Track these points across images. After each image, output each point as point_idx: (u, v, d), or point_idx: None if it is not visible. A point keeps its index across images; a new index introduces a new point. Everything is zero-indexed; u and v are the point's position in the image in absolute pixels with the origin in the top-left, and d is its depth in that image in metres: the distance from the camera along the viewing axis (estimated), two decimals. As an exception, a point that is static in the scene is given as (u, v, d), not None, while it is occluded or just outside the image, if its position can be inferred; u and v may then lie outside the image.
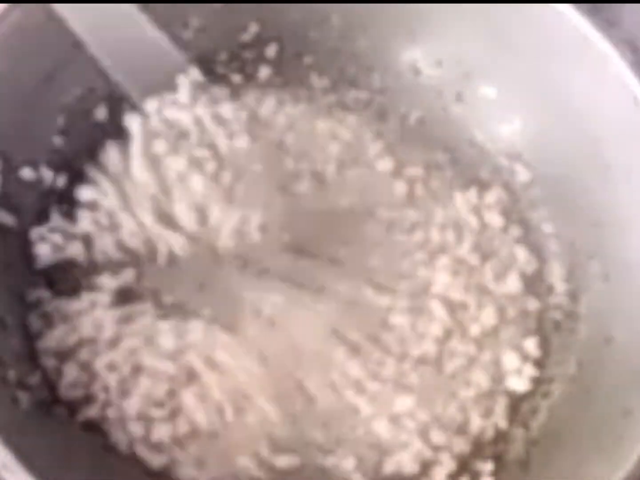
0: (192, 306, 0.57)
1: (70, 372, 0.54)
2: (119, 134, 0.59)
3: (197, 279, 0.58)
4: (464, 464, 0.57)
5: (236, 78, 0.63)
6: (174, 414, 0.54)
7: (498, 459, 0.57)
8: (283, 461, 0.55)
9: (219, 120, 0.58)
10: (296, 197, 0.60)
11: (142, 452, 0.54)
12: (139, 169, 0.57)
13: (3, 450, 0.48)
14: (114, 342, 0.55)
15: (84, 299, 0.56)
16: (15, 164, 0.56)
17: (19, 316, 0.55)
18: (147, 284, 0.57)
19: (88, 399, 0.54)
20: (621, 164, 0.58)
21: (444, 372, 0.58)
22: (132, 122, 0.58)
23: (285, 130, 0.61)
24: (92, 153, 0.59)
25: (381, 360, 0.57)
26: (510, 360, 0.59)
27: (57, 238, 0.57)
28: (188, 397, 0.54)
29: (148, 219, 0.57)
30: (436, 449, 0.56)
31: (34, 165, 0.57)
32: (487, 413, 0.58)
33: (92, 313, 0.55)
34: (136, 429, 0.54)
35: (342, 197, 0.61)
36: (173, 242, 0.57)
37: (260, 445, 0.55)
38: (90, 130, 0.59)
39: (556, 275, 0.61)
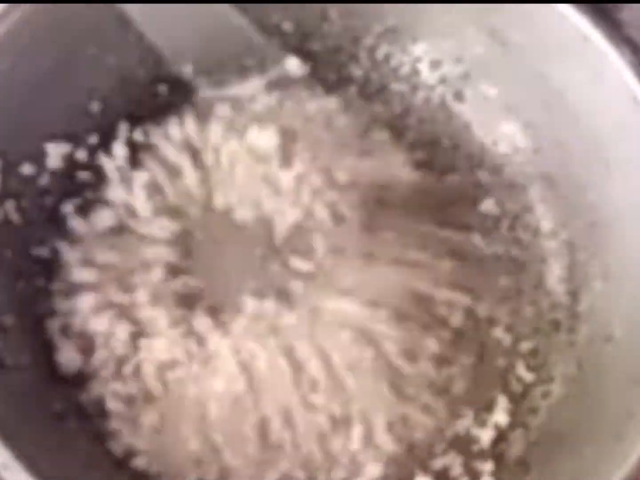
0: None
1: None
2: (118, 134, 0.60)
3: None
4: (463, 464, 0.57)
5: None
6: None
7: (498, 459, 0.57)
8: None
9: None
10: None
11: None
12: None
13: (3, 450, 0.48)
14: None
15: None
16: (14, 164, 0.56)
17: (21, 314, 0.55)
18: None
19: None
20: (621, 163, 0.58)
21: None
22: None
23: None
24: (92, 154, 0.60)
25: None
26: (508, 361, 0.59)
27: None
28: None
29: None
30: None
31: (34, 164, 0.57)
32: (487, 413, 0.58)
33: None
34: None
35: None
36: None
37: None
38: (89, 130, 0.59)
39: (556, 275, 0.61)
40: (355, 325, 0.57)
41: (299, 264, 0.57)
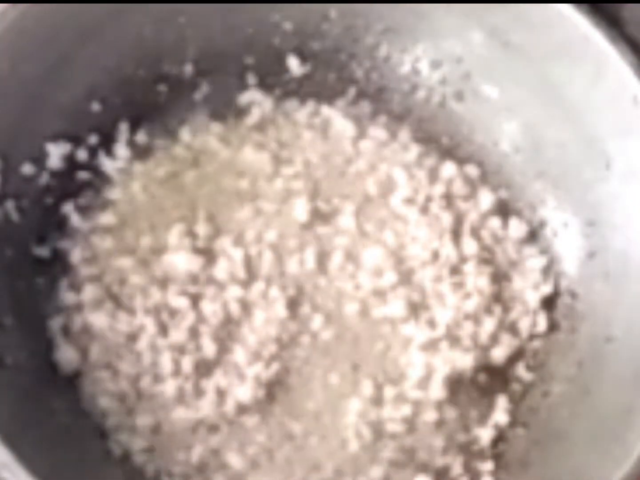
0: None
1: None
2: (118, 134, 0.60)
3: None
4: (463, 464, 0.57)
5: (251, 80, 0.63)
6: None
7: (498, 458, 0.57)
8: None
9: None
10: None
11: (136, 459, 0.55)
12: None
13: (3, 450, 0.48)
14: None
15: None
16: (15, 164, 0.56)
17: (21, 314, 0.55)
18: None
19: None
20: (621, 163, 0.58)
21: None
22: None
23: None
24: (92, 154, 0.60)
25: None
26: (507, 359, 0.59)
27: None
28: None
29: None
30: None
31: (34, 164, 0.57)
32: (487, 413, 0.58)
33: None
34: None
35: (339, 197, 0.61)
36: None
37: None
38: (89, 130, 0.59)
39: (556, 274, 0.61)
40: None
41: None
